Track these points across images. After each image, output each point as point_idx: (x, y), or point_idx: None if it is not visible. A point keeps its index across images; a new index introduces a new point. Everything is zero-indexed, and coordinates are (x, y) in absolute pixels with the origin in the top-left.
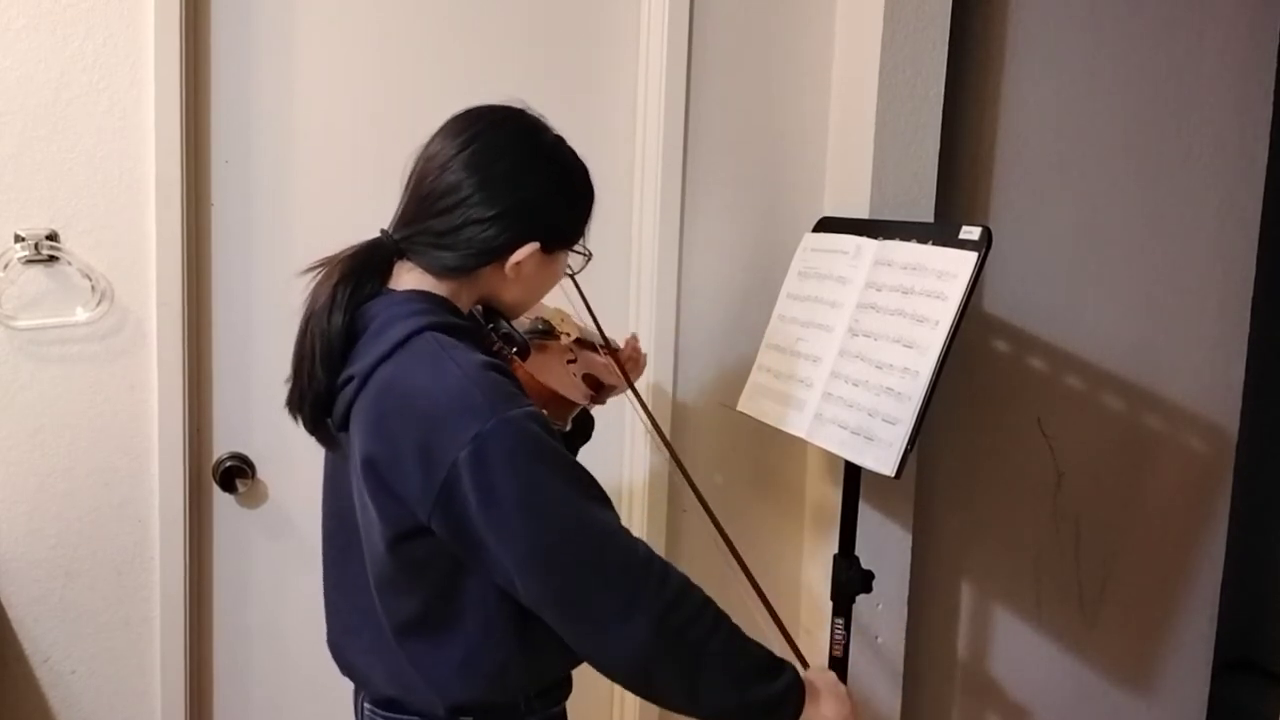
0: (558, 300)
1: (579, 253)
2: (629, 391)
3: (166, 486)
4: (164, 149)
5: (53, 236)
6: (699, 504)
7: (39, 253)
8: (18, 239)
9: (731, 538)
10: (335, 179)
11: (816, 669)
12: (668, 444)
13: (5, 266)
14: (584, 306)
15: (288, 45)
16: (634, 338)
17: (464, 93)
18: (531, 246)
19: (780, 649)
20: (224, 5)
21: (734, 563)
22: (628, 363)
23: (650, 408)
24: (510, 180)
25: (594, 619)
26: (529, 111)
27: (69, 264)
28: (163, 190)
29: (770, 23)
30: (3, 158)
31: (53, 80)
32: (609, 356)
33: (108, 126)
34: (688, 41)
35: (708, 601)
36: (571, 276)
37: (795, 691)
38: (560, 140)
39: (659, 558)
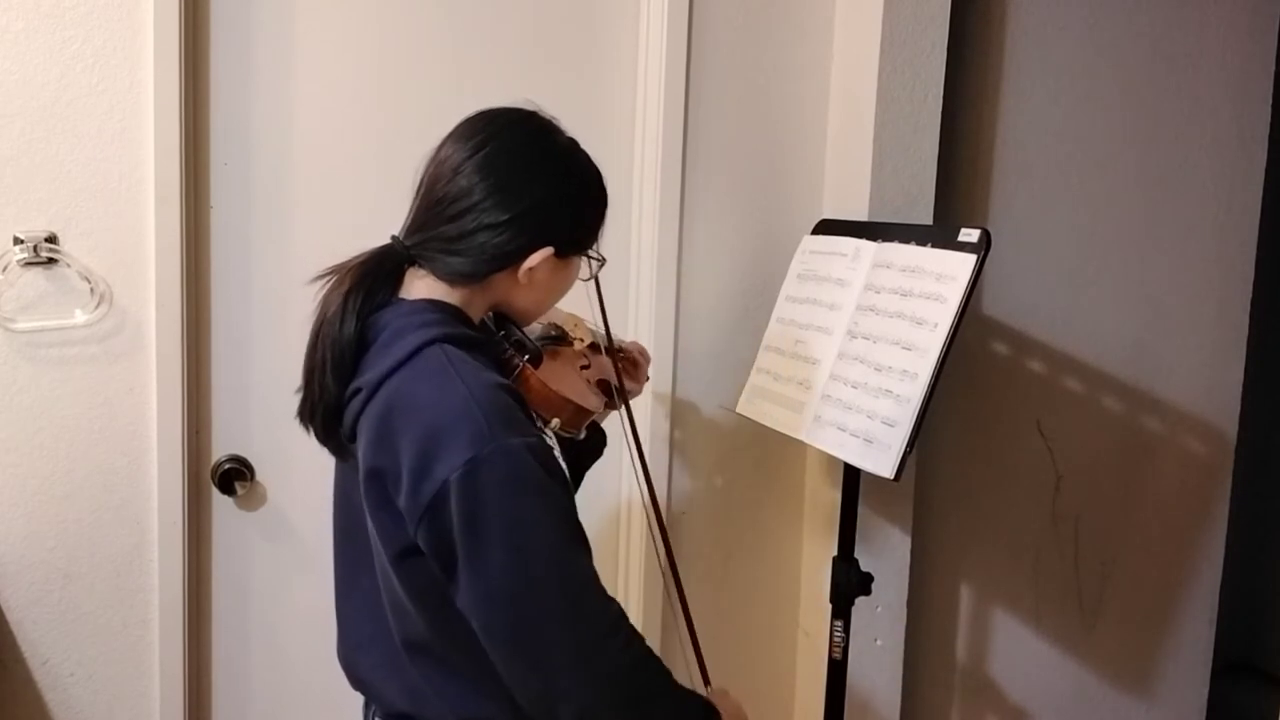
0: (577, 302)
1: (593, 258)
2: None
3: (165, 489)
4: (163, 151)
5: (52, 239)
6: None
7: (38, 255)
8: (17, 241)
9: (731, 540)
10: (334, 181)
11: (719, 692)
12: (641, 456)
13: (4, 269)
14: (600, 310)
15: (287, 47)
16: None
17: (463, 94)
18: (545, 252)
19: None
20: (224, 7)
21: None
22: (632, 367)
23: (650, 411)
24: (523, 184)
25: (547, 667)
26: (541, 114)
27: (68, 266)
28: (162, 192)
29: (769, 25)
30: (2, 160)
31: (52, 82)
32: (618, 361)
33: (107, 129)
34: (687, 43)
35: (661, 670)
36: (595, 280)
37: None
38: (574, 144)
39: (626, 620)
